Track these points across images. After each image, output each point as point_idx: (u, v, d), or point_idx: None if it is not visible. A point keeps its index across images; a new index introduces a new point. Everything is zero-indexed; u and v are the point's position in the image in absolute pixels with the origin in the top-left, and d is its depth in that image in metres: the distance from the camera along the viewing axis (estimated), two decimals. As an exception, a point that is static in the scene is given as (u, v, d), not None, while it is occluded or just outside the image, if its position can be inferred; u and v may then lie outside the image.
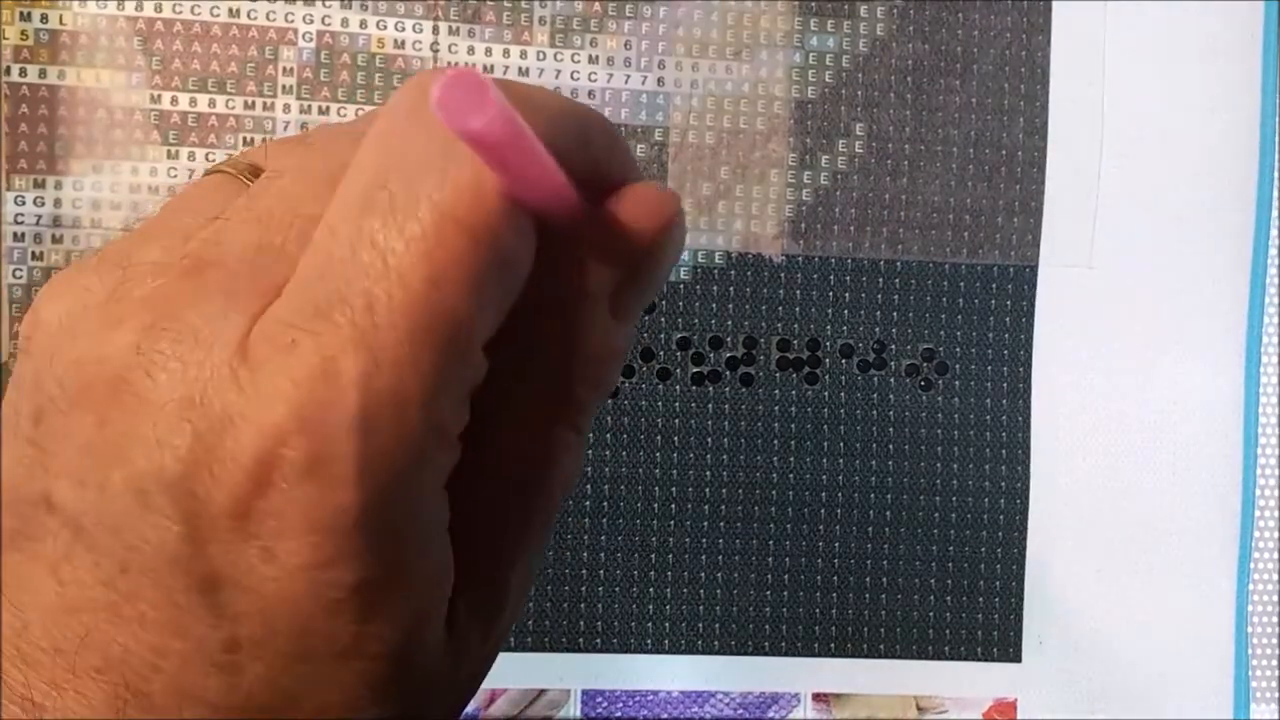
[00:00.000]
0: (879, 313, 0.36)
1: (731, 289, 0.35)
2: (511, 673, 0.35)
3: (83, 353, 0.15)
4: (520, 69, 0.34)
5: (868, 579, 0.36)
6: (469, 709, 0.34)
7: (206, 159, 0.33)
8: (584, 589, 0.35)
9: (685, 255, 0.35)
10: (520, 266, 0.16)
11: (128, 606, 0.15)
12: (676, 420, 0.35)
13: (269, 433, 0.14)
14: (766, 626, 0.35)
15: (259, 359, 0.14)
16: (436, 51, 0.34)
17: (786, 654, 0.36)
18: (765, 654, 0.35)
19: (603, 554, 0.35)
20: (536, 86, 0.20)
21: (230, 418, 0.14)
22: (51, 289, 0.16)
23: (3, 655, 0.15)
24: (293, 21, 0.34)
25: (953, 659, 0.36)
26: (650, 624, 0.35)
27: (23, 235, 0.33)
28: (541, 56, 0.34)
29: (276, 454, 0.14)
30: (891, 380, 0.36)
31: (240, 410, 0.14)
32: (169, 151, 0.33)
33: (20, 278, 0.33)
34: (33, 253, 0.33)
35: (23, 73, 0.33)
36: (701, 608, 0.35)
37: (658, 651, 0.35)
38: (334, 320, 0.14)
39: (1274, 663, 0.37)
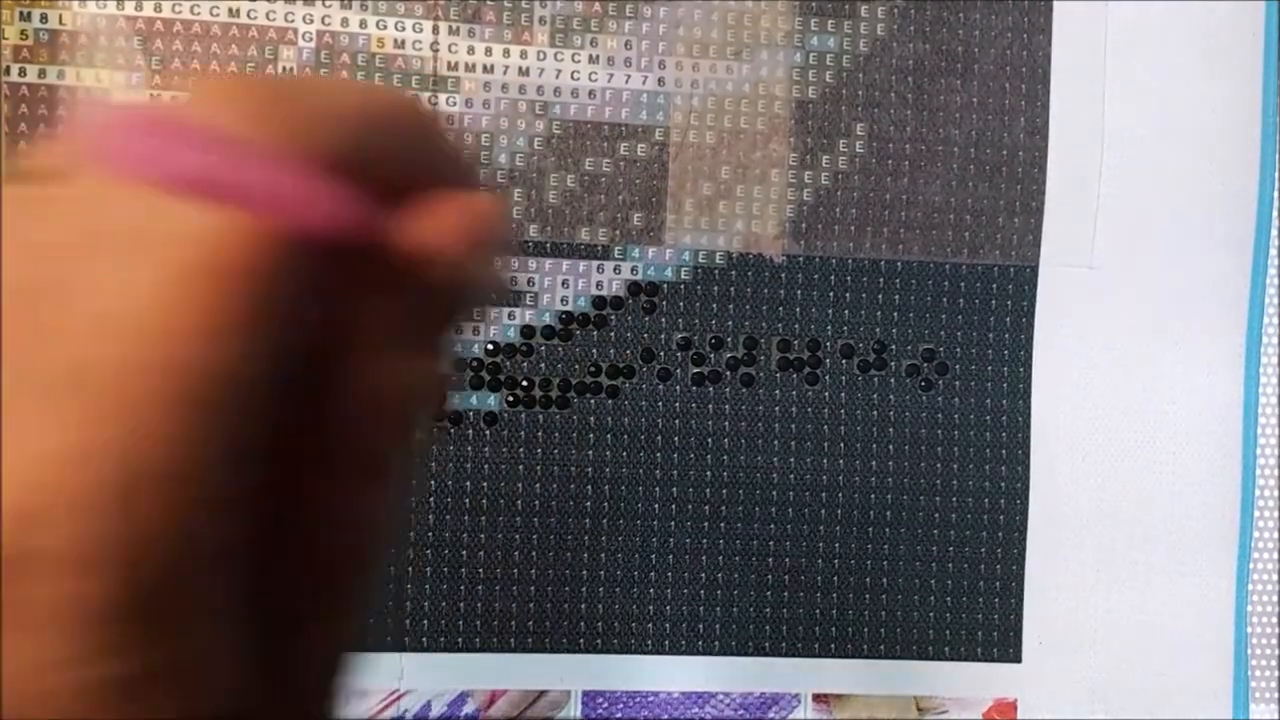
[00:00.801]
0: (879, 313, 0.36)
1: (732, 289, 0.35)
2: (512, 673, 0.35)
3: None
4: (520, 69, 0.34)
5: (868, 579, 0.36)
6: (469, 709, 0.34)
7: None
8: (584, 589, 0.35)
9: (686, 255, 0.35)
10: (289, 302, 0.14)
11: None
12: (677, 420, 0.35)
13: (14, 522, 0.12)
14: (766, 627, 0.35)
15: None
16: (436, 51, 0.34)
17: (786, 654, 0.36)
18: (765, 654, 0.35)
19: (603, 554, 0.35)
20: (343, 83, 0.18)
21: None
22: None
23: None
24: (293, 21, 0.34)
25: (953, 659, 0.36)
26: (650, 624, 0.35)
27: (22, 235, 0.33)
28: (541, 56, 0.34)
29: (24, 543, 0.13)
30: (892, 380, 0.36)
31: None
32: (169, 151, 0.33)
33: (20, 278, 0.33)
34: (32, 253, 0.33)
35: (22, 72, 0.32)
36: (701, 608, 0.35)
37: (658, 652, 0.35)
38: (73, 390, 0.13)
39: (1274, 663, 0.37)
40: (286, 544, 0.16)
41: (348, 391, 0.15)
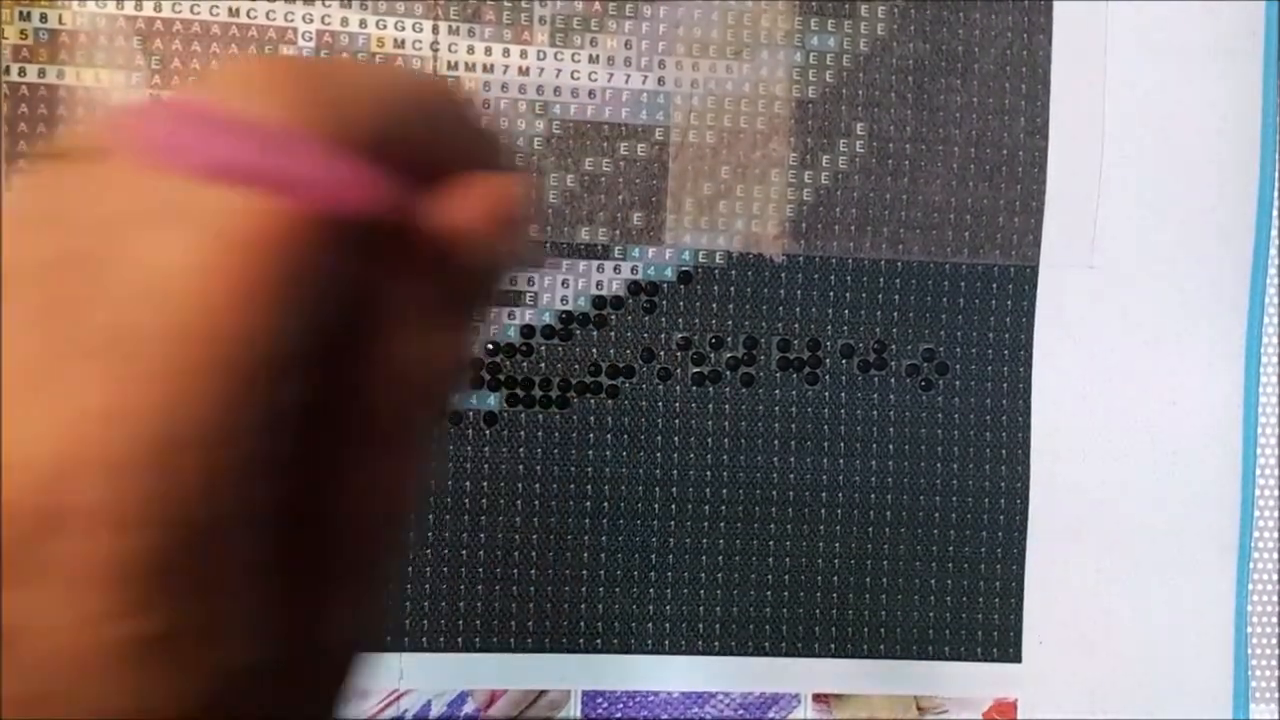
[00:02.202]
0: (880, 313, 0.36)
1: (732, 289, 0.35)
2: (512, 673, 0.35)
3: None
4: (520, 68, 0.34)
5: (868, 579, 0.36)
6: (469, 709, 0.34)
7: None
8: (584, 589, 0.35)
9: (686, 255, 0.35)
10: (321, 275, 0.14)
11: None
12: (677, 420, 0.35)
13: (51, 477, 0.13)
14: (766, 627, 0.35)
15: (31, 398, 0.13)
16: (436, 51, 0.34)
17: (786, 654, 0.36)
18: (765, 654, 0.35)
19: (603, 554, 0.35)
20: (375, 66, 0.18)
21: (11, 465, 0.13)
22: None
23: None
24: (292, 21, 0.34)
25: (953, 659, 0.36)
26: (650, 624, 0.35)
27: (22, 235, 0.33)
28: (541, 56, 0.34)
29: (58, 499, 0.13)
30: (892, 380, 0.36)
31: (20, 455, 0.13)
32: (168, 151, 0.33)
33: (19, 278, 0.33)
34: (32, 253, 0.33)
35: (22, 72, 0.32)
36: (701, 608, 0.35)
37: (658, 652, 0.35)
38: (113, 353, 0.13)
39: (1274, 663, 0.37)
40: (317, 510, 0.16)
41: (380, 363, 0.16)
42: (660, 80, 0.35)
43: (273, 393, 0.14)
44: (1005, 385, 0.36)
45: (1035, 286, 0.36)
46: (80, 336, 0.13)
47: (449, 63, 0.34)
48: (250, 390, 0.13)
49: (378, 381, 0.16)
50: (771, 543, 0.35)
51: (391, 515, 0.17)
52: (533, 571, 0.35)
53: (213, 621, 0.14)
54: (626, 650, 0.35)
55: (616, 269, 0.35)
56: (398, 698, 0.34)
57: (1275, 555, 0.37)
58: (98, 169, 0.14)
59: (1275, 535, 0.37)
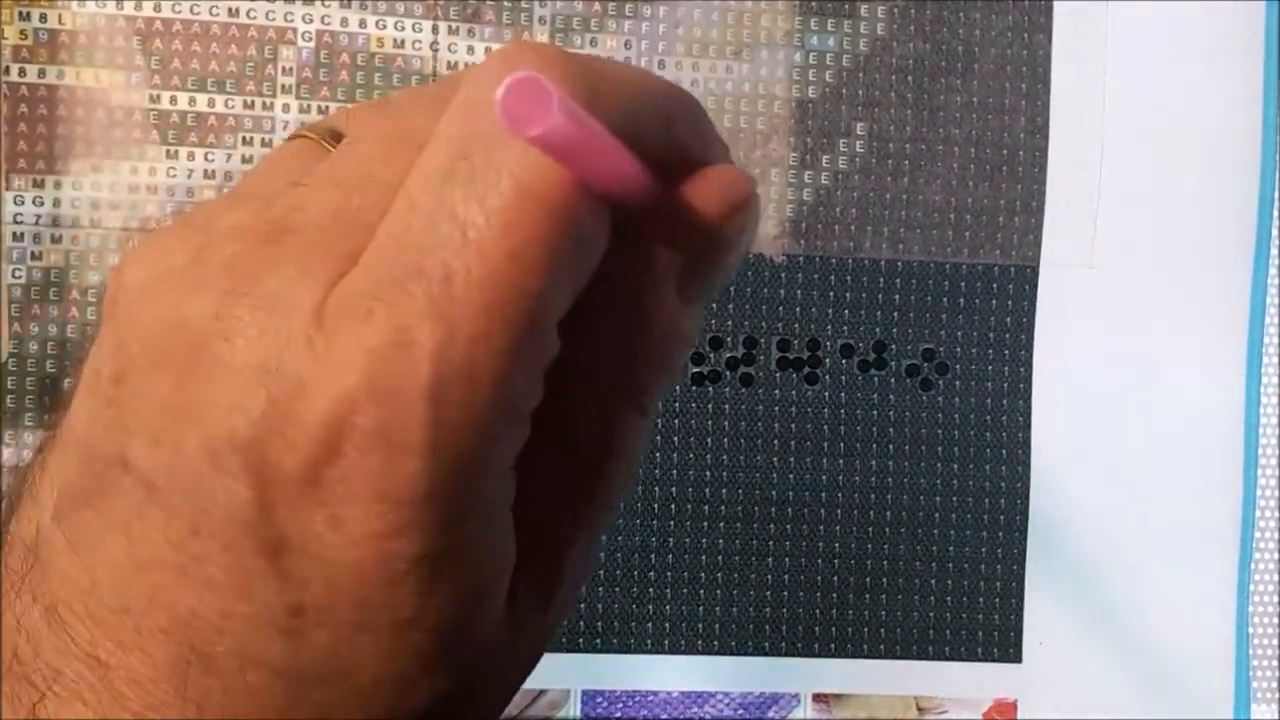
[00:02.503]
0: (879, 313, 0.36)
1: (732, 289, 0.35)
2: (511, 673, 0.35)
3: (164, 316, 0.15)
4: (520, 68, 0.34)
5: (868, 579, 0.36)
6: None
7: (206, 159, 0.33)
8: (584, 589, 0.35)
9: (685, 255, 0.35)
10: (595, 246, 0.15)
11: (196, 568, 0.15)
12: (676, 420, 0.35)
13: (341, 400, 0.14)
14: (766, 626, 0.35)
15: (334, 327, 0.14)
16: (436, 51, 0.34)
17: (786, 654, 0.36)
18: (765, 654, 0.35)
19: (603, 554, 0.35)
20: (624, 65, 0.20)
21: (304, 384, 0.14)
22: (135, 253, 0.16)
23: (72, 613, 0.15)
24: (292, 21, 0.34)
25: (953, 659, 0.36)
26: (650, 624, 0.35)
27: (22, 235, 0.33)
28: (541, 56, 0.34)
29: (348, 421, 0.14)
30: (891, 380, 0.36)
31: (314, 377, 0.14)
32: (168, 151, 0.33)
33: (20, 278, 0.33)
34: (32, 253, 0.33)
35: (22, 72, 0.32)
36: (701, 608, 0.35)
37: (658, 651, 0.35)
38: (410, 292, 0.14)
39: (1274, 663, 0.37)
40: (558, 459, 0.17)
41: (627, 326, 0.17)
42: (660, 80, 0.35)
43: (537, 343, 0.15)
44: (1005, 385, 0.36)
45: (1035, 286, 0.36)
46: (372, 275, 0.14)
47: (449, 63, 0.34)
48: (518, 339, 0.14)
49: (621, 350, 0.17)
50: (771, 542, 0.35)
51: (620, 475, 0.18)
52: (532, 571, 0.35)
53: (471, 547, 0.15)
54: (626, 650, 0.35)
55: (616, 269, 0.35)
56: (397, 697, 0.34)
57: (1276, 555, 0.37)
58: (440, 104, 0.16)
59: (1275, 535, 0.37)
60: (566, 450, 0.17)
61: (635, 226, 0.16)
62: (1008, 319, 0.36)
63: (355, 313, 0.14)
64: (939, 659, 0.36)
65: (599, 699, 0.35)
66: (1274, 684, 0.37)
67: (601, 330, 0.17)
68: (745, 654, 0.35)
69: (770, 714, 0.36)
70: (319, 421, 0.14)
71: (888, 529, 0.36)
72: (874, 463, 0.36)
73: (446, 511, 0.15)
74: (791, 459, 0.35)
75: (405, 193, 0.15)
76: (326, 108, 0.34)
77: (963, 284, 0.36)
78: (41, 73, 0.33)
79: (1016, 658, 0.36)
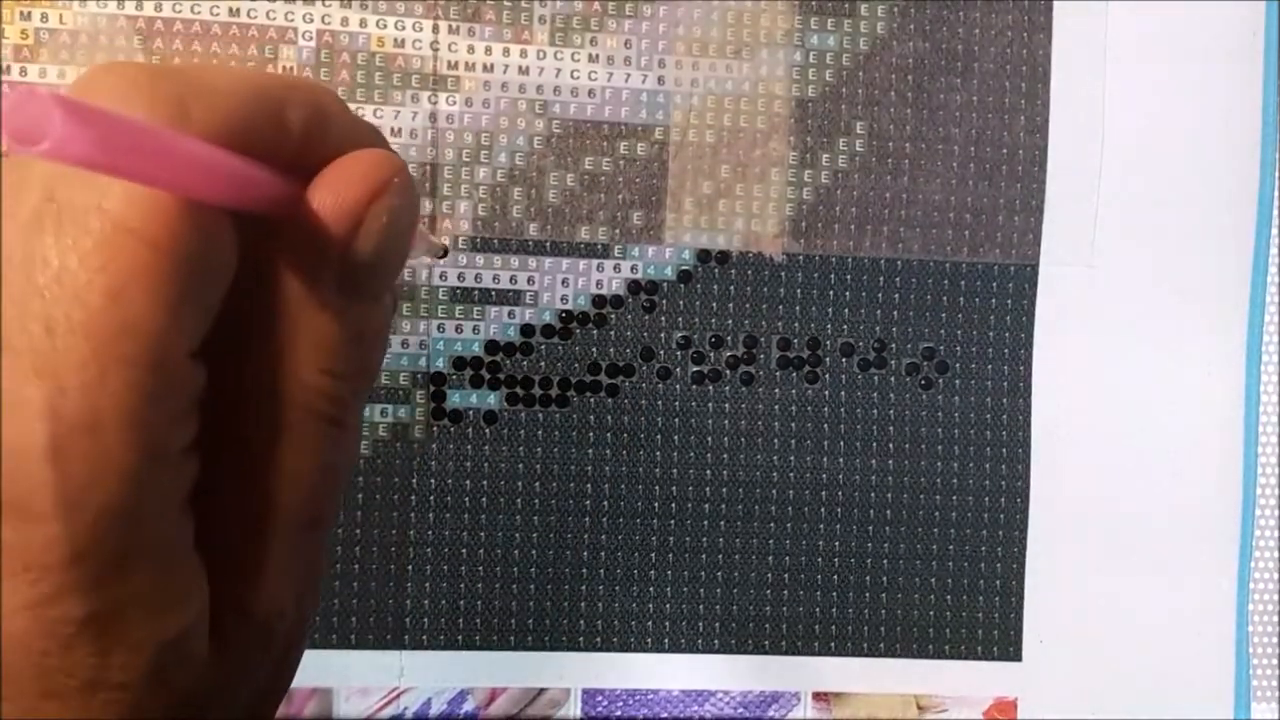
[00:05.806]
0: (879, 312, 0.36)
1: (732, 288, 0.35)
2: (511, 672, 0.35)
3: None
4: (520, 68, 0.34)
5: (868, 579, 0.36)
6: (468, 708, 0.34)
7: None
8: (584, 589, 0.35)
9: (686, 254, 0.35)
10: (218, 263, 0.15)
11: None
12: (676, 420, 0.35)
13: None
14: (766, 626, 0.35)
15: None
16: (436, 50, 0.34)
17: (786, 653, 0.36)
18: (765, 653, 0.35)
19: (602, 552, 0.35)
20: (229, 69, 0.19)
21: None
22: None
23: None
24: (292, 21, 0.34)
25: (953, 659, 0.36)
26: (650, 624, 0.35)
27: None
28: (541, 56, 0.34)
29: None
30: (892, 379, 0.36)
31: None
32: (169, 150, 0.33)
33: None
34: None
35: (23, 72, 0.33)
36: (701, 607, 0.35)
37: (658, 651, 0.35)
38: (15, 349, 0.13)
39: (1274, 663, 0.37)
40: (237, 490, 0.16)
41: (284, 334, 0.16)
42: (660, 80, 0.35)
43: (170, 379, 0.14)
44: (1005, 384, 0.36)
45: (1035, 286, 0.36)
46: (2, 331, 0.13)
47: (449, 62, 0.34)
48: (144, 378, 0.14)
49: (289, 361, 0.16)
50: (771, 541, 0.35)
51: (318, 487, 0.17)
52: (532, 569, 0.35)
53: (142, 598, 0.15)
54: (626, 648, 0.35)
55: (616, 268, 0.35)
56: (398, 695, 0.34)
57: (1275, 555, 0.37)
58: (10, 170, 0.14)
59: (1275, 535, 0.37)
60: (255, 473, 0.17)
61: (275, 228, 0.16)
62: (1007, 318, 0.36)
63: None
64: (939, 658, 0.36)
65: (599, 698, 0.35)
66: (1274, 684, 0.37)
67: (259, 343, 0.16)
68: (745, 653, 0.35)
69: (770, 712, 0.36)
70: None
71: (888, 528, 0.36)
72: (874, 461, 0.36)
73: (102, 568, 0.14)
74: (792, 458, 0.36)
75: (4, 247, 0.14)
76: (327, 107, 0.34)
77: (962, 283, 0.36)
78: (42, 73, 0.33)
79: (1016, 656, 0.36)
